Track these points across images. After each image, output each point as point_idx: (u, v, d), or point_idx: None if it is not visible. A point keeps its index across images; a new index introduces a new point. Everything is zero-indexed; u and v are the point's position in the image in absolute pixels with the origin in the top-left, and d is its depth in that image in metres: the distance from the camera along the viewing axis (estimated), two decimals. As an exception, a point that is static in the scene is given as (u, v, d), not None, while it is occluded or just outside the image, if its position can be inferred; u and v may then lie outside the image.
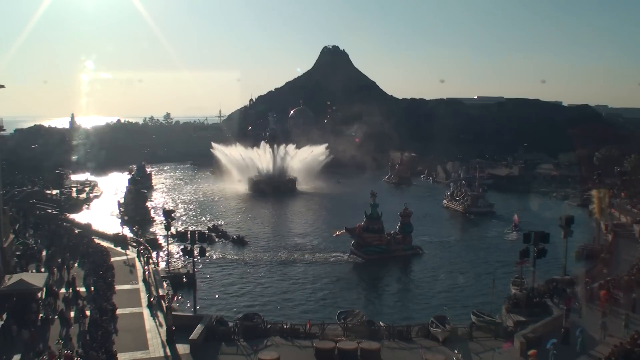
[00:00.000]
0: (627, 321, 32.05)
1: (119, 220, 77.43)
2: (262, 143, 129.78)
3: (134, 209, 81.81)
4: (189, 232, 39.18)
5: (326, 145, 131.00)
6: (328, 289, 50.23)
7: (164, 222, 56.35)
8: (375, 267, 58.39)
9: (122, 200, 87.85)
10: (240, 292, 48.94)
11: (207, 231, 69.44)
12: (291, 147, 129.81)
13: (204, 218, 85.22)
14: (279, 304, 45.57)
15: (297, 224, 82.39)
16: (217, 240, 68.23)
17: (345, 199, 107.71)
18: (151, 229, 73.91)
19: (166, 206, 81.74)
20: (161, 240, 63.28)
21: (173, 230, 62.21)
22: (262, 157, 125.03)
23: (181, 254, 46.76)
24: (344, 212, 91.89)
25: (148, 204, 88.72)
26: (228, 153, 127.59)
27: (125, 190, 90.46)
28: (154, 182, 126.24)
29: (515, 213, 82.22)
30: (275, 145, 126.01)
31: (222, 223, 78.90)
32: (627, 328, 31.50)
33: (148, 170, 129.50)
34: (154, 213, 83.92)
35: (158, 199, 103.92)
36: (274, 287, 50.36)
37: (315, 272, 55.39)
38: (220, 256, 60.79)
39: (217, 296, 47.38)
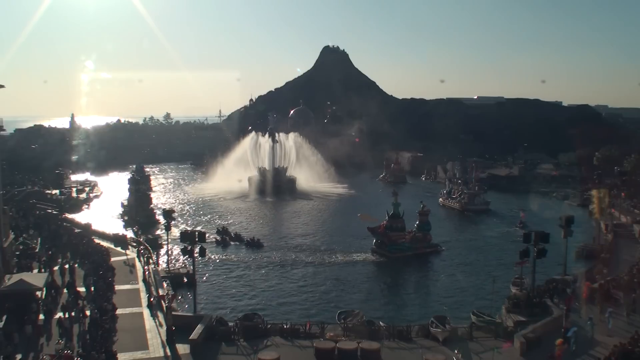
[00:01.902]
0: (628, 310, 32.72)
1: (122, 223, 75.70)
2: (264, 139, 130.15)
3: (138, 211, 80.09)
4: (188, 232, 39.17)
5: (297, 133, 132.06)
6: (328, 289, 50.24)
7: (165, 223, 56.02)
8: (396, 265, 59.49)
9: (125, 202, 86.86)
10: (241, 292, 48.95)
11: (217, 234, 69.25)
12: (283, 135, 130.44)
13: (208, 219, 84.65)
14: (280, 304, 45.59)
15: (303, 225, 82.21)
16: (231, 243, 67.22)
17: (345, 198, 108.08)
18: (157, 232, 72.26)
19: (166, 207, 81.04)
20: (166, 243, 62.05)
21: (177, 232, 61.72)
22: (264, 147, 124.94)
23: (184, 253, 46.39)
24: (347, 212, 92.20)
25: (152, 205, 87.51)
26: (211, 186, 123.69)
27: (128, 191, 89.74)
28: (153, 182, 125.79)
29: (521, 210, 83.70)
30: (275, 145, 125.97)
31: (230, 224, 78.11)
32: (629, 316, 32.25)
33: (147, 170, 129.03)
34: (159, 215, 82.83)
35: (158, 200, 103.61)
36: (276, 288, 50.36)
37: (325, 273, 55.41)
38: (221, 257, 60.66)
39: (217, 296, 47.35)
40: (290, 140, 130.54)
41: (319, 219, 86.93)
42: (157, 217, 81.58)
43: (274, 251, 63.33)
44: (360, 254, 61.90)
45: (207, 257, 58.70)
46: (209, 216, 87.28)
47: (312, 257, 60.76)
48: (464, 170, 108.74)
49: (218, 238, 67.94)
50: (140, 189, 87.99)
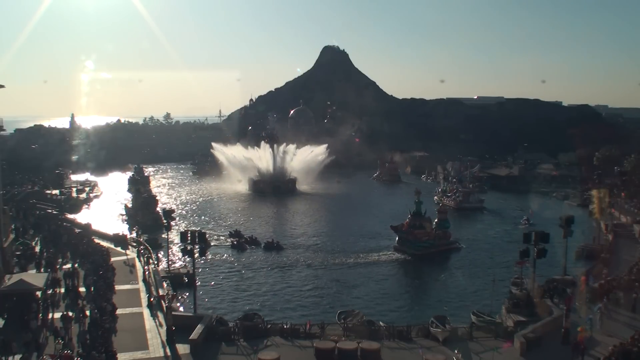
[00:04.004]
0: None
1: (127, 226, 73.96)
2: (262, 143, 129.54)
3: (145, 214, 78.45)
4: (188, 232, 39.13)
5: (326, 145, 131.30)
6: (328, 289, 50.21)
7: (168, 223, 55.67)
8: (420, 264, 60.20)
9: (129, 204, 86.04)
10: (241, 292, 48.92)
11: (230, 237, 68.51)
12: (291, 147, 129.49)
13: (211, 220, 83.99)
14: (280, 304, 45.52)
15: (308, 225, 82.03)
16: (247, 247, 65.66)
17: (346, 198, 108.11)
18: (163, 235, 68.98)
19: (167, 207, 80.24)
20: (172, 246, 59.77)
21: (175, 232, 61.35)
22: (262, 157, 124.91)
23: (184, 253, 46.10)
24: (349, 212, 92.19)
25: (158, 209, 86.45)
26: (228, 153, 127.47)
27: (128, 192, 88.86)
28: (152, 183, 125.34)
29: (530, 209, 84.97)
30: (274, 145, 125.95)
31: (233, 225, 77.34)
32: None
33: (147, 171, 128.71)
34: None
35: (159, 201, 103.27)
36: (277, 288, 50.30)
37: (350, 273, 55.43)
38: (238, 260, 60.30)
39: (217, 296, 47.32)
40: (301, 154, 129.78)
41: (323, 219, 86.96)
42: (163, 220, 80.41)
43: (290, 253, 62.78)
44: (382, 253, 62.26)
45: (222, 259, 59.50)
46: (211, 217, 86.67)
47: (332, 257, 60.50)
48: (461, 169, 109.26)
49: (234, 241, 66.72)
50: (144, 191, 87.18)
